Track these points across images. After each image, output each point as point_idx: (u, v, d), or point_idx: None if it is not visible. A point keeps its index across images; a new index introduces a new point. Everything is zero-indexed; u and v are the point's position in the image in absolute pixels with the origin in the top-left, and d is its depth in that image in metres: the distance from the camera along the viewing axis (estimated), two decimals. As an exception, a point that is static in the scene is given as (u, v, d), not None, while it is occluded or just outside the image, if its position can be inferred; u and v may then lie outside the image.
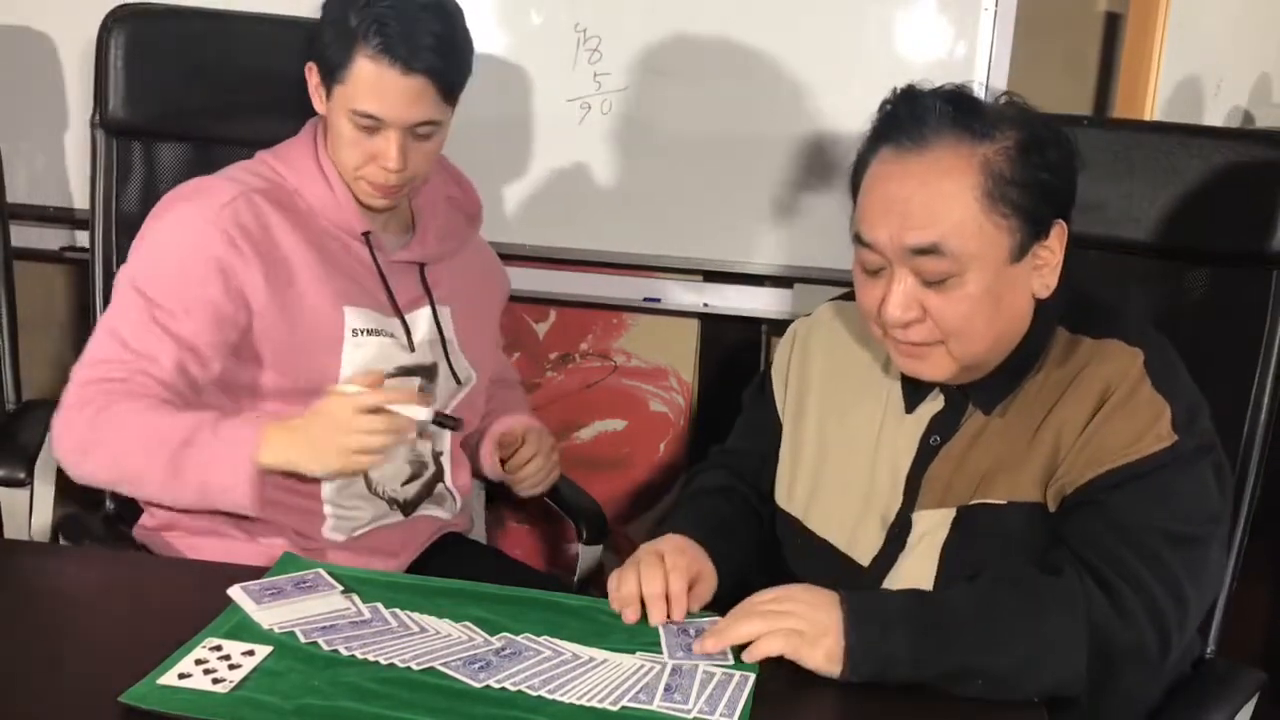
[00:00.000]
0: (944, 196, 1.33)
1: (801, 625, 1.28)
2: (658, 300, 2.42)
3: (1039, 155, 1.35)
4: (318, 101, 1.67)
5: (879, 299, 1.38)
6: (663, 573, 1.40)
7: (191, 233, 1.61)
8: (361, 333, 1.66)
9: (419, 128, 1.62)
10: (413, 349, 1.71)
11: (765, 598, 1.33)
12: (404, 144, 1.61)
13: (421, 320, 1.73)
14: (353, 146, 1.63)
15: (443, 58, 1.59)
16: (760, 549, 1.59)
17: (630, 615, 1.37)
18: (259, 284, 1.61)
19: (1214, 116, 2.43)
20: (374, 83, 1.58)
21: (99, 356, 1.59)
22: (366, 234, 1.69)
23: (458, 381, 1.78)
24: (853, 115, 2.22)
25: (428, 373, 1.74)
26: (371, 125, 1.60)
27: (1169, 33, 2.25)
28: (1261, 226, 1.69)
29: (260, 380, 1.65)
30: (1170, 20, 2.25)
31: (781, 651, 1.28)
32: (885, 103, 1.41)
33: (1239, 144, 1.75)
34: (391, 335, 1.69)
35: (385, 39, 1.56)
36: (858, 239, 1.39)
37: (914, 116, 1.36)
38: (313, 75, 1.67)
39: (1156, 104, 2.27)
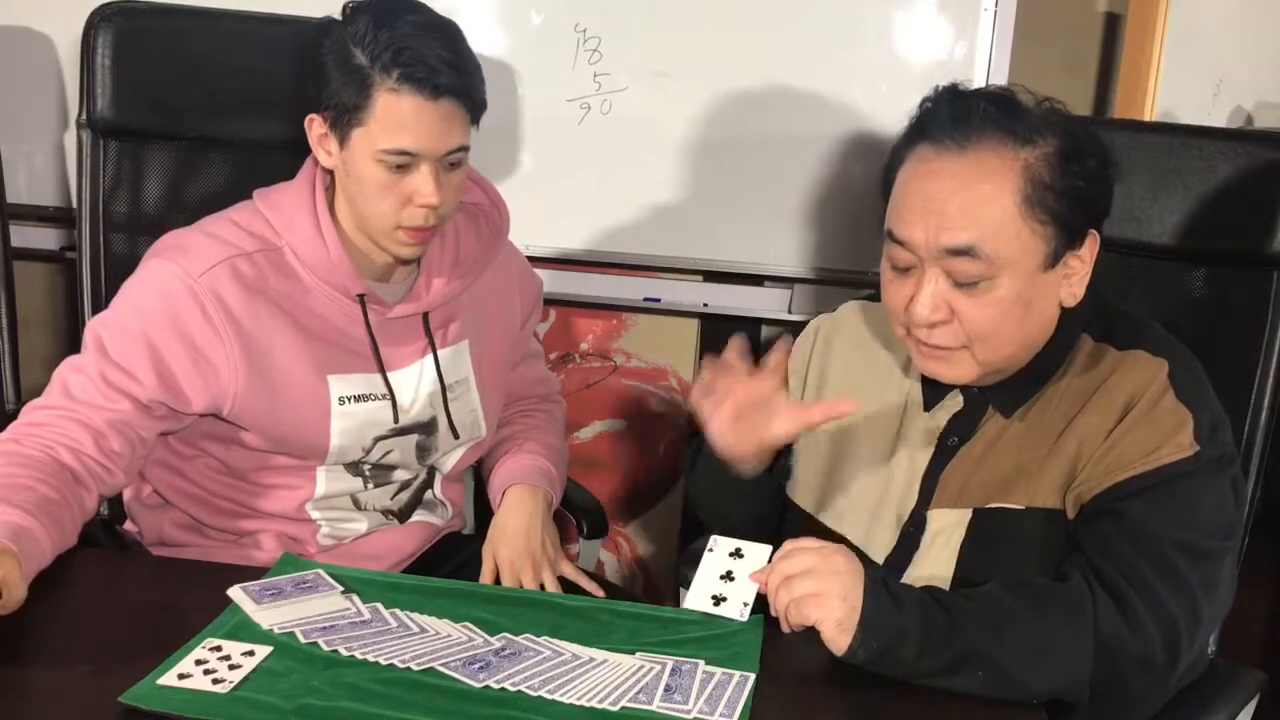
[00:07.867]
0: (983, 199, 1.32)
1: (821, 586, 1.28)
2: (658, 300, 2.42)
3: (1079, 163, 1.34)
4: (324, 155, 1.57)
5: (907, 297, 1.37)
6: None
7: (165, 297, 1.52)
8: (349, 399, 1.61)
9: (450, 156, 1.53)
10: (397, 420, 1.65)
11: (808, 545, 1.32)
12: (439, 176, 1.53)
13: (418, 372, 1.67)
14: (385, 192, 1.52)
15: (464, 76, 1.51)
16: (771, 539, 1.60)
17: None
18: (235, 360, 1.54)
19: (1214, 116, 2.42)
20: (402, 115, 1.49)
21: (41, 402, 1.51)
22: (361, 295, 1.60)
23: (456, 435, 1.73)
24: (853, 115, 2.25)
25: (425, 429, 1.69)
26: (405, 162, 1.51)
27: (1169, 33, 2.24)
28: (1261, 226, 1.69)
29: (245, 437, 1.61)
30: (1170, 20, 2.24)
31: (788, 620, 1.30)
32: (926, 100, 1.39)
33: (1239, 144, 1.75)
34: (384, 397, 1.64)
35: (405, 67, 1.47)
36: (890, 236, 1.37)
37: (957, 115, 1.34)
38: (316, 126, 1.56)
39: (1156, 104, 2.27)
